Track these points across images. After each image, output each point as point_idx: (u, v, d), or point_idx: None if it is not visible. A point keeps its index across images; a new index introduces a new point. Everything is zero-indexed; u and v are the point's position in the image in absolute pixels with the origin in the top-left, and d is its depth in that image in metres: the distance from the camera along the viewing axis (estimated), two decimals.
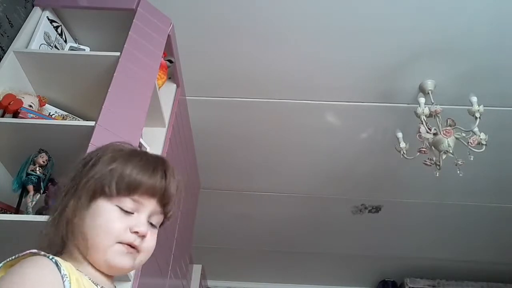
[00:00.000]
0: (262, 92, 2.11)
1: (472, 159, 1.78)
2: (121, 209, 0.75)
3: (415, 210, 2.89)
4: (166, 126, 1.61)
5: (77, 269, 0.69)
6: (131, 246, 0.74)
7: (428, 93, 1.96)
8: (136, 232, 0.74)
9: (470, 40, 1.79)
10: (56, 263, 0.64)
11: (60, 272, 0.63)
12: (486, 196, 2.69)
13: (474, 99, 1.85)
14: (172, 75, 1.77)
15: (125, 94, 1.27)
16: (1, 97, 1.24)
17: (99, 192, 0.75)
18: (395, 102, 2.11)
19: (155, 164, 0.80)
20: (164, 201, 0.79)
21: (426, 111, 1.88)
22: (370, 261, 3.57)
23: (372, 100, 2.12)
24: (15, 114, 1.23)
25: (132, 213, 0.75)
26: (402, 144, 2.02)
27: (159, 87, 1.56)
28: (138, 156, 0.80)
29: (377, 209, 2.95)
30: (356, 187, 2.73)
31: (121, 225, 0.73)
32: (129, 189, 0.75)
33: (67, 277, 0.63)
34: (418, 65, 1.91)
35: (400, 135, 2.06)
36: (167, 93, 1.72)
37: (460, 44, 1.81)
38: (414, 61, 1.89)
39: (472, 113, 1.84)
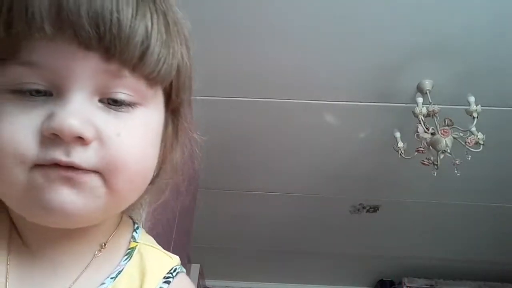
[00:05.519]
0: (261, 92, 2.11)
1: (469, 158, 1.78)
2: (13, 92, 0.36)
3: (413, 210, 2.90)
4: None
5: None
6: (61, 166, 0.35)
7: (426, 93, 1.96)
8: (55, 135, 0.34)
9: (468, 40, 1.79)
10: None
11: None
12: (484, 195, 2.70)
13: (472, 99, 1.85)
14: None
15: None
16: None
17: None
18: (393, 102, 2.11)
19: None
20: (102, 41, 0.36)
21: (424, 110, 1.88)
22: (368, 260, 3.58)
23: (370, 100, 2.12)
24: None
25: (50, 94, 0.36)
26: (400, 144, 2.02)
27: None
28: None
29: (375, 208, 2.96)
30: (354, 186, 2.73)
31: (18, 126, 0.35)
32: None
33: None
34: (416, 65, 1.91)
35: (398, 134, 2.06)
36: None
37: (458, 44, 1.81)
38: (412, 61, 1.89)
39: (469, 113, 1.85)
